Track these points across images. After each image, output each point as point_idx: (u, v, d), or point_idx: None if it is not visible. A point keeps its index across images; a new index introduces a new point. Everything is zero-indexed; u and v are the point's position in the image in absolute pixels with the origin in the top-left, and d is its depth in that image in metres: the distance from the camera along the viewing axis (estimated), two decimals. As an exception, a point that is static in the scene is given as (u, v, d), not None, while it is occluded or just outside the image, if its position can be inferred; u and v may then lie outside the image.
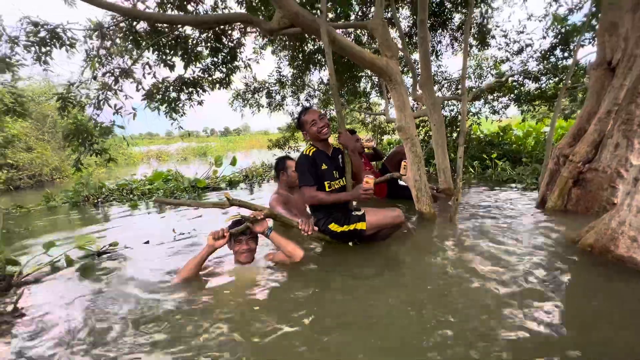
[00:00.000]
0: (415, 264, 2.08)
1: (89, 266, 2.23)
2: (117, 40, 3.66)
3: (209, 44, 4.19)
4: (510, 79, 6.50)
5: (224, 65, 4.43)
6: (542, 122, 7.58)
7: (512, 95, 6.78)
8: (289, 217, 2.40)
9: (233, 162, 6.35)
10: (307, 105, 8.10)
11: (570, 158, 2.98)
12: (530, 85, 6.67)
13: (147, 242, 2.79)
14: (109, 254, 2.51)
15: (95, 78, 3.49)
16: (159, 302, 1.72)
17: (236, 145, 25.35)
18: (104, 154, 3.67)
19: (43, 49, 3.17)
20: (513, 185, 4.55)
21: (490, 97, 7.27)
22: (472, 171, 5.54)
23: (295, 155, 8.49)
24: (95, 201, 5.05)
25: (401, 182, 4.10)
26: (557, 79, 6.31)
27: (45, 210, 4.77)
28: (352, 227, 2.29)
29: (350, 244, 2.40)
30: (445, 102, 6.96)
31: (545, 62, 6.19)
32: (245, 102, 7.59)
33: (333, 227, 2.32)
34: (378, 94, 8.57)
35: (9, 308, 1.68)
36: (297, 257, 2.04)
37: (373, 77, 8.15)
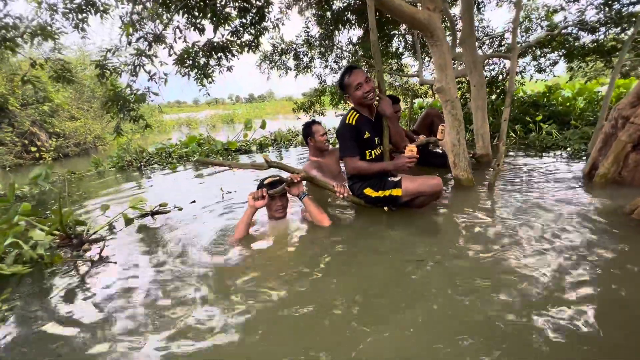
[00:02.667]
0: (450, 235, 2.04)
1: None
2: (148, 5, 3.64)
3: (237, 4, 4.05)
4: (563, 31, 5.80)
5: (253, 27, 4.30)
6: (595, 80, 6.83)
7: (562, 50, 6.09)
8: (324, 180, 2.43)
9: (263, 126, 6.43)
10: (337, 66, 7.76)
11: (632, 120, 2.70)
12: (586, 38, 5.94)
13: (194, 202, 2.96)
14: (162, 214, 2.70)
15: (129, 44, 3.54)
16: (213, 258, 1.88)
17: (262, 111, 25.36)
18: (141, 120, 3.81)
19: (80, 16, 3.24)
20: (558, 152, 4.24)
21: (537, 53, 6.59)
22: (514, 135, 5.20)
23: (321, 119, 8.40)
24: (139, 165, 5.37)
25: (435, 149, 3.95)
26: (618, 28, 5.56)
27: (95, 175, 5.15)
28: (387, 193, 2.27)
29: (385, 209, 2.40)
30: (485, 61, 6.42)
31: (607, 9, 5.43)
32: (273, 64, 7.42)
33: (368, 191, 2.33)
34: (411, 54, 8.05)
35: (95, 258, 1.98)
36: (323, 224, 2.11)
37: (407, 36, 7.62)
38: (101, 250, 2.01)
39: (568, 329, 1.16)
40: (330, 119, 8.80)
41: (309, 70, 7.70)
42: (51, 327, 1.38)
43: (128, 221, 2.41)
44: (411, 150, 2.12)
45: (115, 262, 1.92)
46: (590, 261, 1.59)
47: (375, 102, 2.27)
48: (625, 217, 2.05)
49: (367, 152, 2.30)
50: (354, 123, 2.23)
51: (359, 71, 2.19)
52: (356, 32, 7.44)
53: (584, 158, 3.70)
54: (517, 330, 1.17)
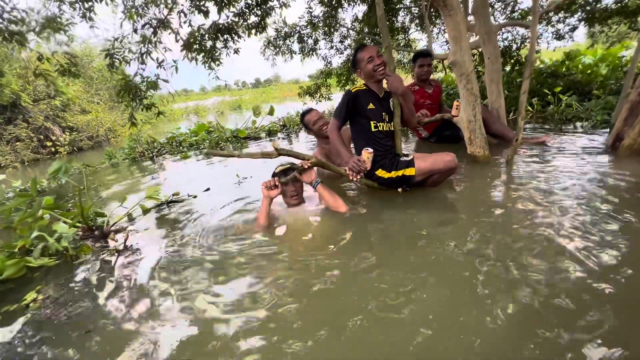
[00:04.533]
0: (468, 214, 2.00)
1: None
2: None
3: (241, -15, 3.93)
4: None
5: (258, 8, 4.17)
6: (619, 43, 6.43)
7: (582, 13, 5.72)
8: (336, 166, 2.40)
9: (271, 112, 6.36)
10: (343, 46, 7.55)
11: (661, 85, 2.55)
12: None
13: (208, 189, 2.99)
14: (178, 203, 2.74)
15: (135, 31, 3.49)
16: (234, 246, 1.90)
17: (269, 96, 25.17)
18: (153, 108, 3.82)
19: (86, 5, 3.21)
20: (579, 124, 4.05)
21: (554, 18, 6.22)
22: (530, 109, 4.99)
23: (329, 104, 8.26)
24: (151, 155, 5.43)
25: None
26: (646, -13, 5.17)
27: (109, 167, 5.25)
28: (400, 173, 2.24)
29: (399, 190, 2.37)
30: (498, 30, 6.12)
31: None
32: (277, 49, 7.26)
33: (380, 173, 2.29)
34: (418, 28, 7.73)
35: (120, 247, 2.05)
36: (340, 211, 2.08)
37: (412, 9, 7.31)
38: (125, 240, 2.08)
39: (607, 314, 1.12)
40: (338, 102, 8.63)
41: (314, 52, 7.51)
42: (81, 313, 1.45)
43: (145, 211, 2.46)
44: (364, 154, 2.14)
45: (138, 250, 1.98)
46: (617, 240, 1.53)
47: (385, 84, 2.24)
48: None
49: (372, 122, 2.27)
50: (353, 91, 2.25)
51: (371, 47, 2.22)
52: (360, 9, 7.14)
53: (608, 130, 3.54)
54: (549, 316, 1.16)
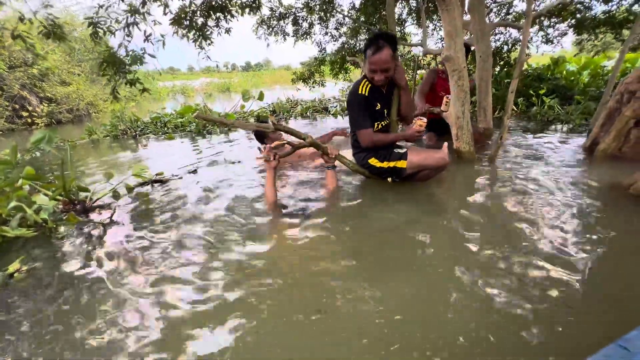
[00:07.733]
0: (452, 209, 2.05)
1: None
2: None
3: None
4: None
5: (253, -15, 4.05)
6: (603, 53, 6.67)
7: (572, 20, 5.87)
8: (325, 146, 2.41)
9: (260, 97, 6.25)
10: (338, 33, 7.42)
11: (638, 95, 2.68)
12: (597, 9, 5.72)
13: (195, 171, 2.94)
14: (163, 183, 2.69)
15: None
16: (215, 229, 1.90)
17: (259, 80, 24.63)
18: (138, 83, 3.66)
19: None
20: (560, 126, 4.23)
21: (545, 23, 6.36)
22: (515, 109, 5.15)
23: (321, 90, 8.20)
24: (133, 134, 5.27)
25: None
26: (633, -1, 5.34)
27: (89, 142, 5.06)
28: (392, 164, 2.27)
29: (388, 180, 2.41)
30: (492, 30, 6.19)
31: (623, -23, 5.18)
32: (270, 29, 7.09)
33: (373, 162, 2.32)
34: (414, 22, 7.73)
35: (106, 222, 2.03)
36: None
37: (410, 2, 7.27)
38: (112, 215, 2.04)
39: (565, 306, 1.20)
40: (330, 89, 8.60)
41: (308, 36, 7.38)
42: (58, 285, 1.43)
43: (129, 189, 2.41)
44: (420, 125, 2.16)
45: (123, 225, 1.95)
46: (587, 234, 1.63)
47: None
48: (623, 192, 2.09)
49: (376, 124, 2.29)
50: (366, 94, 2.18)
51: (382, 56, 2.01)
52: (358, -4, 7.04)
53: (585, 133, 3.70)
54: (511, 308, 1.23)
